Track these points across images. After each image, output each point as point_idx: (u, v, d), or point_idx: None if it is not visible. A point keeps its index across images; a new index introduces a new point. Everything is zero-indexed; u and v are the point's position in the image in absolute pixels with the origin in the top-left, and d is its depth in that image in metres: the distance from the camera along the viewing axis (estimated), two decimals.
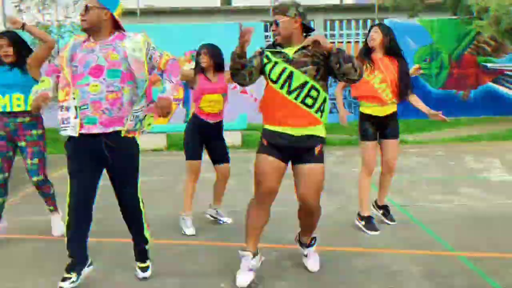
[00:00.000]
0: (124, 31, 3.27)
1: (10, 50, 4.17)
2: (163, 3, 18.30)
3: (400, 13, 14.35)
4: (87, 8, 3.13)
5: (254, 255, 3.41)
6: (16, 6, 10.35)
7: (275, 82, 3.26)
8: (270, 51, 3.34)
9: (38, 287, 3.45)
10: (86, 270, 3.34)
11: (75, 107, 3.11)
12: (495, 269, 3.61)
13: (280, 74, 3.24)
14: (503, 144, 9.39)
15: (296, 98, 3.23)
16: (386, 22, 13.50)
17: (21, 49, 4.25)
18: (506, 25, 8.99)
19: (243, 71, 3.27)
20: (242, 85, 3.45)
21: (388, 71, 4.32)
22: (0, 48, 4.15)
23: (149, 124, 3.38)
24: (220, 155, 4.62)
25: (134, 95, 3.20)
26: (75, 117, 3.10)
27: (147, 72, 3.23)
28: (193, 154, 4.50)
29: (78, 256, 3.30)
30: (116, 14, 3.19)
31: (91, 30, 3.16)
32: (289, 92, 3.23)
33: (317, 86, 3.24)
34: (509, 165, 7.40)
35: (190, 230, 4.48)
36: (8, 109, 4.14)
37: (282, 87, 3.24)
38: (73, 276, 3.24)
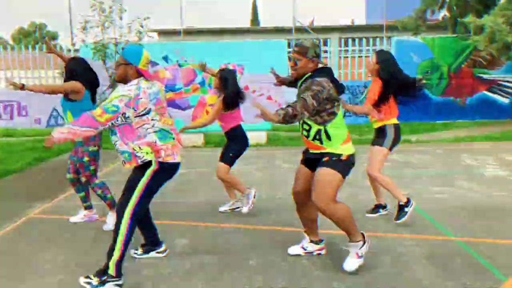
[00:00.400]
0: (148, 78, 3.07)
1: None
2: (202, 24, 18.44)
3: (405, 32, 14.09)
4: (117, 64, 3.08)
5: (312, 241, 3.51)
6: (82, 27, 10.53)
7: None
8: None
9: (99, 262, 3.51)
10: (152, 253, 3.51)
11: None
12: (488, 252, 3.50)
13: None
14: (497, 144, 9.10)
15: (300, 127, 3.22)
16: (393, 40, 13.28)
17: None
18: (499, 41, 8.69)
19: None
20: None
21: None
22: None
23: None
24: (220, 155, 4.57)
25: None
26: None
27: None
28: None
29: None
30: (140, 66, 3.03)
31: (122, 81, 3.06)
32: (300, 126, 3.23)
33: (308, 120, 3.11)
34: (502, 162, 7.17)
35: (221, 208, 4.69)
36: None
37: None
38: (139, 251, 3.52)
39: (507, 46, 9.20)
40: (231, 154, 4.44)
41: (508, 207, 4.74)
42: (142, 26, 10.60)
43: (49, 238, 4.03)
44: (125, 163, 3.06)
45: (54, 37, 47.45)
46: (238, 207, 4.63)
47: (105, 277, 2.94)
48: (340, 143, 3.13)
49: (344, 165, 3.12)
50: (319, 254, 3.50)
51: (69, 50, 13.55)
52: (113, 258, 2.94)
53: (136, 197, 3.01)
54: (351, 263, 3.17)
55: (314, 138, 3.13)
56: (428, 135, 10.50)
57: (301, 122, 3.15)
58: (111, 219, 4.16)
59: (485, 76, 13.24)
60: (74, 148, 4.25)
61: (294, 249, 3.52)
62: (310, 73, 3.14)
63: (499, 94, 13.32)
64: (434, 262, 3.34)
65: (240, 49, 12.74)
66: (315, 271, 3.24)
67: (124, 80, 3.05)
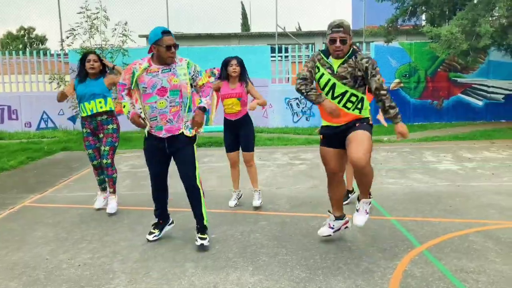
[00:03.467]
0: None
1: (97, 65, 4.88)
2: (189, 29, 19.18)
3: (379, 38, 14.90)
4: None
5: (337, 218, 3.86)
6: (70, 34, 11.22)
7: (322, 89, 3.55)
8: (320, 62, 3.54)
9: (84, 237, 4.22)
10: (167, 228, 4.09)
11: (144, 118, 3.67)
12: (412, 227, 4.25)
13: (326, 84, 3.52)
14: (461, 143, 9.86)
15: (339, 103, 3.51)
16: (372, 45, 14.09)
17: (103, 65, 4.98)
18: (456, 49, 9.51)
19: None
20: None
21: None
22: (88, 62, 4.84)
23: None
24: (243, 145, 4.90)
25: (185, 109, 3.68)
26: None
27: (189, 91, 3.65)
28: (227, 147, 4.97)
29: (161, 218, 4.02)
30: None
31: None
32: (333, 98, 3.51)
33: (356, 92, 3.49)
34: (458, 158, 7.92)
35: (231, 203, 5.10)
36: (95, 111, 4.83)
37: (327, 94, 3.52)
38: (156, 232, 4.03)
39: (465, 52, 10.02)
40: (253, 142, 4.92)
41: (443, 194, 5.49)
42: (125, 30, 11.32)
43: (41, 221, 4.73)
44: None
45: (41, 41, 47.99)
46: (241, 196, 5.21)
47: (207, 229, 3.81)
48: (368, 108, 3.65)
49: (371, 127, 3.62)
50: (346, 227, 3.94)
51: (59, 55, 14.23)
52: (205, 216, 3.78)
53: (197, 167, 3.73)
54: (363, 218, 3.65)
55: (355, 108, 3.51)
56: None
57: (348, 95, 3.46)
58: (114, 202, 4.97)
59: (459, 79, 14.10)
60: (92, 137, 4.93)
61: (324, 231, 3.88)
62: (352, 52, 3.46)
63: (473, 97, 14.17)
64: (365, 233, 4.09)
65: (225, 54, 13.51)
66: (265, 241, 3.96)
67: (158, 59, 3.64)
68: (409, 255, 3.58)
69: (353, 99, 3.50)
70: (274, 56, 14.14)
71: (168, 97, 3.59)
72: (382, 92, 3.45)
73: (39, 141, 11.29)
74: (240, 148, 4.97)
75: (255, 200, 5.02)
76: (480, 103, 14.15)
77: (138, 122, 3.66)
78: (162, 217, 4.06)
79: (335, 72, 3.47)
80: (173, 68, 3.62)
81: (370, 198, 3.72)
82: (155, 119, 3.64)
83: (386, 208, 4.92)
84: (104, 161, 4.91)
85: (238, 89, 4.81)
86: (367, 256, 3.58)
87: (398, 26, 13.75)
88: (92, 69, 4.83)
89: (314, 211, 4.83)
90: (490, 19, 9.07)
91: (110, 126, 4.91)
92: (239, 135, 4.89)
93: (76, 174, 7.13)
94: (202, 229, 3.81)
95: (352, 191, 5.20)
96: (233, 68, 4.78)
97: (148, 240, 3.99)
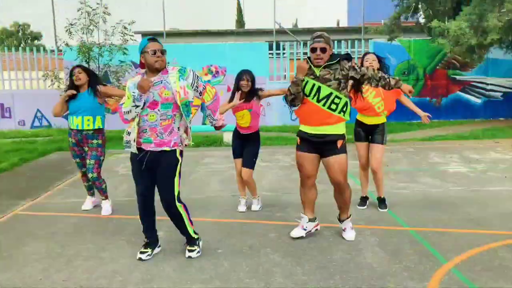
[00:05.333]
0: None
1: (82, 76, 4.67)
2: (185, 26, 18.66)
3: (383, 35, 14.54)
4: None
5: (310, 220, 3.95)
6: (66, 30, 10.70)
7: (308, 95, 3.66)
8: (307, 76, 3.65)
9: (79, 253, 3.80)
10: (156, 250, 3.70)
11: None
12: (435, 240, 3.87)
13: (311, 89, 3.64)
14: (465, 143, 9.54)
15: (324, 105, 3.62)
16: (371, 42, 13.71)
17: (91, 78, 4.76)
18: (463, 44, 9.14)
19: (300, 94, 3.66)
20: (295, 106, 3.78)
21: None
22: (74, 75, 4.67)
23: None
24: (244, 161, 4.72)
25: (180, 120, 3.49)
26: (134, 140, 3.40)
27: (183, 97, 3.39)
28: (234, 152, 4.81)
29: (152, 238, 3.69)
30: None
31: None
32: (318, 101, 3.63)
33: (339, 94, 3.61)
34: (464, 159, 7.59)
35: (241, 208, 4.87)
36: (80, 128, 4.67)
37: (313, 98, 3.64)
38: (149, 250, 3.63)
39: (471, 49, 9.66)
40: (254, 159, 4.73)
41: (458, 200, 5.13)
42: (126, 28, 10.80)
43: (32, 233, 4.30)
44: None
45: (37, 37, 47.08)
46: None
47: (197, 240, 3.65)
48: (349, 114, 3.74)
49: (346, 147, 3.84)
50: (316, 229, 4.01)
51: (53, 51, 13.69)
52: (190, 229, 3.59)
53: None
54: (353, 234, 3.92)
55: (340, 110, 3.64)
56: (401, 134, 10.91)
57: (332, 97, 3.59)
58: (107, 205, 4.90)
59: (458, 77, 13.78)
60: (77, 148, 4.78)
61: (297, 232, 3.94)
62: (335, 59, 3.62)
63: (472, 95, 13.87)
64: (385, 248, 3.70)
65: (222, 51, 13.09)
66: (277, 257, 3.57)
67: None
68: (438, 275, 3.20)
69: (337, 101, 3.62)
70: (271, 53, 13.73)
71: (158, 110, 3.38)
72: (381, 75, 3.73)
73: (33, 140, 10.82)
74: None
75: (254, 205, 4.92)
76: (478, 101, 13.86)
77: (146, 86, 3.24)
78: (152, 238, 3.71)
79: (317, 76, 3.62)
80: (165, 80, 3.39)
81: (350, 216, 3.99)
82: (145, 131, 3.42)
83: (402, 217, 4.54)
84: (90, 175, 4.78)
85: (247, 103, 4.64)
86: (391, 276, 3.20)
87: (401, 23, 13.35)
88: (78, 80, 4.68)
89: (324, 220, 4.42)
90: (498, 14, 8.68)
91: (95, 141, 4.76)
92: (244, 148, 4.76)
93: (70, 177, 6.68)
94: (189, 241, 3.66)
95: (367, 198, 4.95)
96: (245, 83, 4.60)
97: (141, 259, 3.57)
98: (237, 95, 4.53)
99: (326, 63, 3.61)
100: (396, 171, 6.82)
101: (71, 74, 4.73)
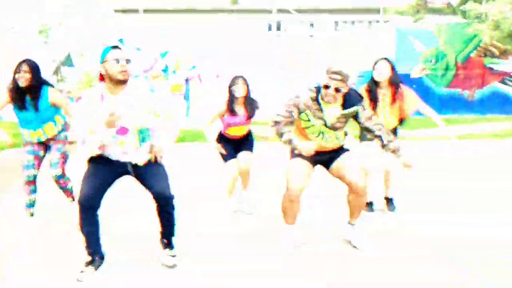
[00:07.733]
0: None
1: (28, 77, 4.23)
2: (167, 1, 18.30)
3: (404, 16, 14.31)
4: None
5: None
6: None
7: (309, 134, 3.75)
8: (310, 110, 3.66)
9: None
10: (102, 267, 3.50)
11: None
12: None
13: (316, 133, 3.73)
14: (503, 142, 9.34)
15: (326, 141, 3.75)
16: (392, 25, 13.49)
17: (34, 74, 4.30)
18: (504, 30, 8.88)
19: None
20: None
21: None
22: (18, 73, 4.23)
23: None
24: (243, 151, 4.82)
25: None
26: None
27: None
28: (225, 159, 4.77)
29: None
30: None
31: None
32: (322, 139, 3.74)
33: (345, 129, 3.81)
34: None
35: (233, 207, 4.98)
36: (42, 139, 4.45)
37: (316, 137, 3.74)
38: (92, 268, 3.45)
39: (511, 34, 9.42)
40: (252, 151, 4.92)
41: None
42: None
43: None
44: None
45: None
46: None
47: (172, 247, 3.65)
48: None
49: None
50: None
51: None
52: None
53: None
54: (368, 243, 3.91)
55: (344, 138, 3.91)
56: (424, 131, 10.46)
57: (335, 136, 3.75)
58: None
59: (496, 67, 13.59)
60: (35, 142, 4.48)
61: (287, 242, 3.93)
62: (352, 102, 3.66)
63: None
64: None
65: (212, 34, 12.74)
66: None
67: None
68: None
69: (343, 133, 3.85)
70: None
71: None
72: (377, 126, 3.70)
73: None
74: (238, 159, 4.82)
75: (249, 206, 4.98)
76: None
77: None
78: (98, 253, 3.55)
79: (327, 125, 3.68)
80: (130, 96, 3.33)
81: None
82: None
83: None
84: (54, 173, 4.49)
85: (243, 116, 4.74)
86: None
87: (427, 3, 13.14)
88: (23, 82, 4.23)
89: (335, 232, 4.13)
90: None
91: (63, 134, 4.57)
92: (238, 149, 4.87)
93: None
94: (169, 245, 3.66)
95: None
96: (239, 88, 4.67)
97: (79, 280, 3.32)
98: (220, 146, 4.68)
99: (342, 112, 3.65)
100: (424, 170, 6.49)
101: (15, 72, 4.29)
